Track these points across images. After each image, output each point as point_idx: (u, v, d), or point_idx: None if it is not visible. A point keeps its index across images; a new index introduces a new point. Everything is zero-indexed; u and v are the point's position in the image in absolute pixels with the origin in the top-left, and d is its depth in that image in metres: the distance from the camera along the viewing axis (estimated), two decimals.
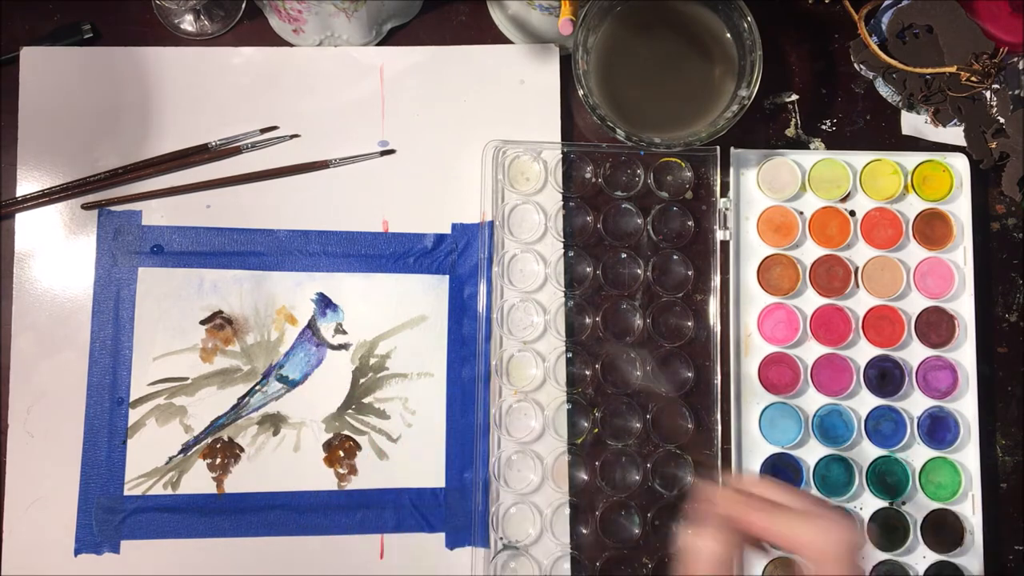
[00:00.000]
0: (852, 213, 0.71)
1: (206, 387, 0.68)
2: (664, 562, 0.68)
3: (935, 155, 0.72)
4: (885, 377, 0.69)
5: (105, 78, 0.70)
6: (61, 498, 0.66)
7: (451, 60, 0.71)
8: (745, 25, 0.65)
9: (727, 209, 0.70)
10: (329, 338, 0.69)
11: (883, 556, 0.68)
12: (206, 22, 0.71)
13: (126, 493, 0.66)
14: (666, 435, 0.69)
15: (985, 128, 0.71)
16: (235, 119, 0.70)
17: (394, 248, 0.70)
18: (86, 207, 0.69)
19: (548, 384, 0.69)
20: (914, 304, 0.70)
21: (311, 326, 0.69)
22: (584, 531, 0.68)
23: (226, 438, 0.68)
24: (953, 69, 0.68)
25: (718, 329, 0.69)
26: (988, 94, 0.70)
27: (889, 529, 0.68)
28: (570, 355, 0.69)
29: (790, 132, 0.73)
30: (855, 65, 0.73)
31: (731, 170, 0.71)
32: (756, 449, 0.69)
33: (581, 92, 0.64)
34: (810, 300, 0.70)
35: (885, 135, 0.73)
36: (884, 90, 0.73)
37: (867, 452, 0.69)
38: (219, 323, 0.69)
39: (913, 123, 0.73)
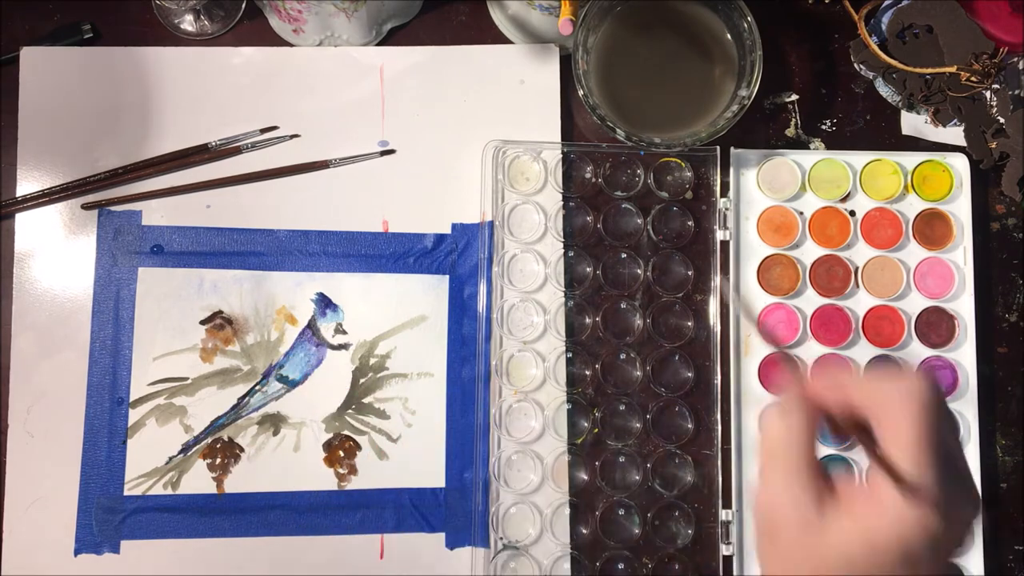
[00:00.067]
0: (852, 213, 0.71)
1: (206, 387, 0.68)
2: (664, 562, 0.68)
3: (935, 155, 0.72)
4: None
5: (105, 78, 0.70)
6: (61, 498, 0.66)
7: (451, 60, 0.71)
8: (745, 25, 0.65)
9: (727, 209, 0.70)
10: (329, 338, 0.69)
11: None
12: (206, 22, 0.71)
13: (126, 493, 0.66)
14: (666, 435, 0.69)
15: (985, 128, 0.71)
16: (235, 119, 0.70)
17: (394, 248, 0.70)
18: (86, 207, 0.69)
19: (548, 384, 0.69)
20: (914, 304, 0.70)
21: (311, 326, 0.69)
22: (584, 531, 0.68)
23: (226, 438, 0.68)
24: (953, 69, 0.68)
25: (718, 329, 0.69)
26: (988, 94, 0.70)
27: None
28: (570, 355, 0.69)
29: (790, 132, 0.73)
30: (855, 65, 0.73)
31: (731, 170, 0.71)
32: (756, 449, 0.69)
33: (581, 92, 0.64)
34: (810, 300, 0.70)
35: (885, 135, 0.73)
36: (884, 90, 0.73)
37: None
38: (219, 323, 0.69)
39: (913, 123, 0.73)
